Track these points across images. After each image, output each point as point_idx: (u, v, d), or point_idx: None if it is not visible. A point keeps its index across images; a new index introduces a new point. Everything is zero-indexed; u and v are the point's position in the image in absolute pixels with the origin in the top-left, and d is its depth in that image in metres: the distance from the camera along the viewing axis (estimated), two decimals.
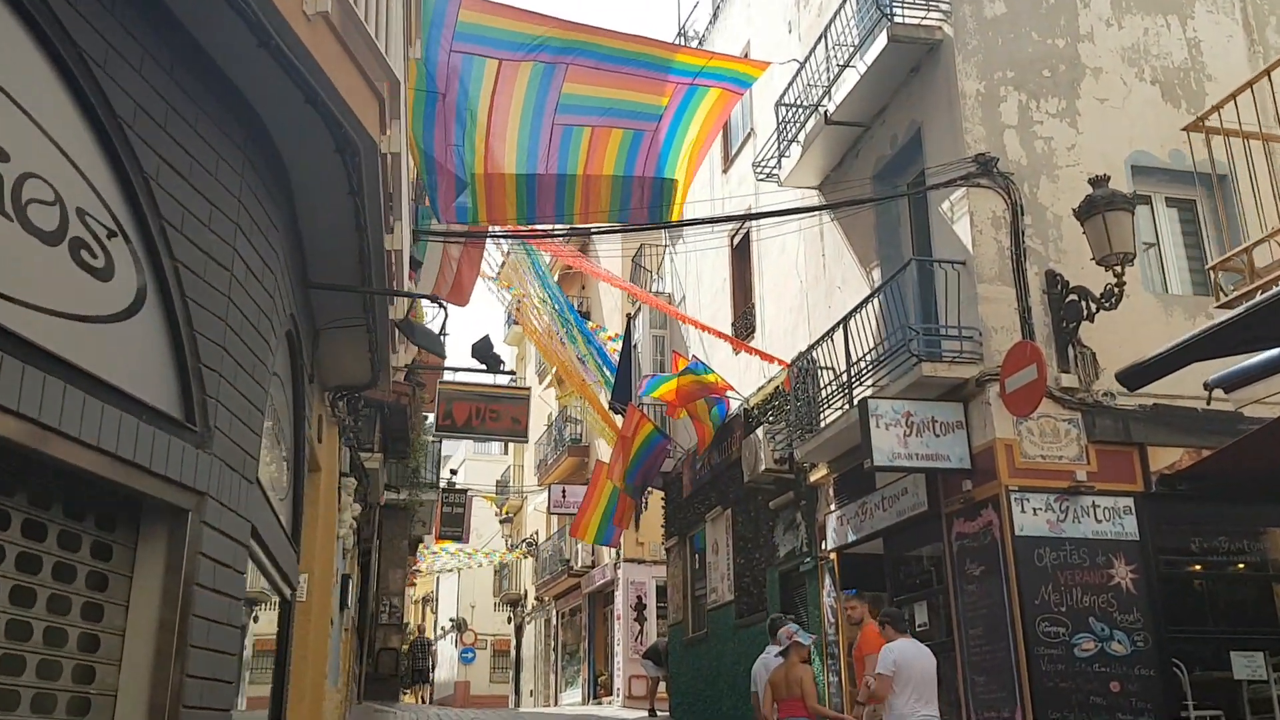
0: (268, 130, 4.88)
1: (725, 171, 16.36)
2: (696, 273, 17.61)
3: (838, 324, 10.81)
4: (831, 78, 11.28)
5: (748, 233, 15.32)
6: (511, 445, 36.17)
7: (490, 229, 13.76)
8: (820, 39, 11.58)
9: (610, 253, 21.46)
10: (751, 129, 15.23)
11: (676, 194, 12.20)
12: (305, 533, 8.00)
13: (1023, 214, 9.87)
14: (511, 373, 12.17)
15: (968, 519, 9.50)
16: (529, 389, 11.72)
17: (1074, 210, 9.27)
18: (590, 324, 23.66)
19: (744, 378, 15.05)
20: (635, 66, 11.87)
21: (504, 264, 22.17)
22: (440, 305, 6.63)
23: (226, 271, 4.56)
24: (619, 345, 19.85)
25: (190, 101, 4.28)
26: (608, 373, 19.96)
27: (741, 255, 15.77)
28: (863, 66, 10.74)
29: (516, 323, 24.72)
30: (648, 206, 12.24)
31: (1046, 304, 9.69)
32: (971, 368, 9.48)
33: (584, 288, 28.14)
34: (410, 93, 11.35)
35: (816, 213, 11.80)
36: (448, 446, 45.94)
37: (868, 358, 10.12)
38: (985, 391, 9.40)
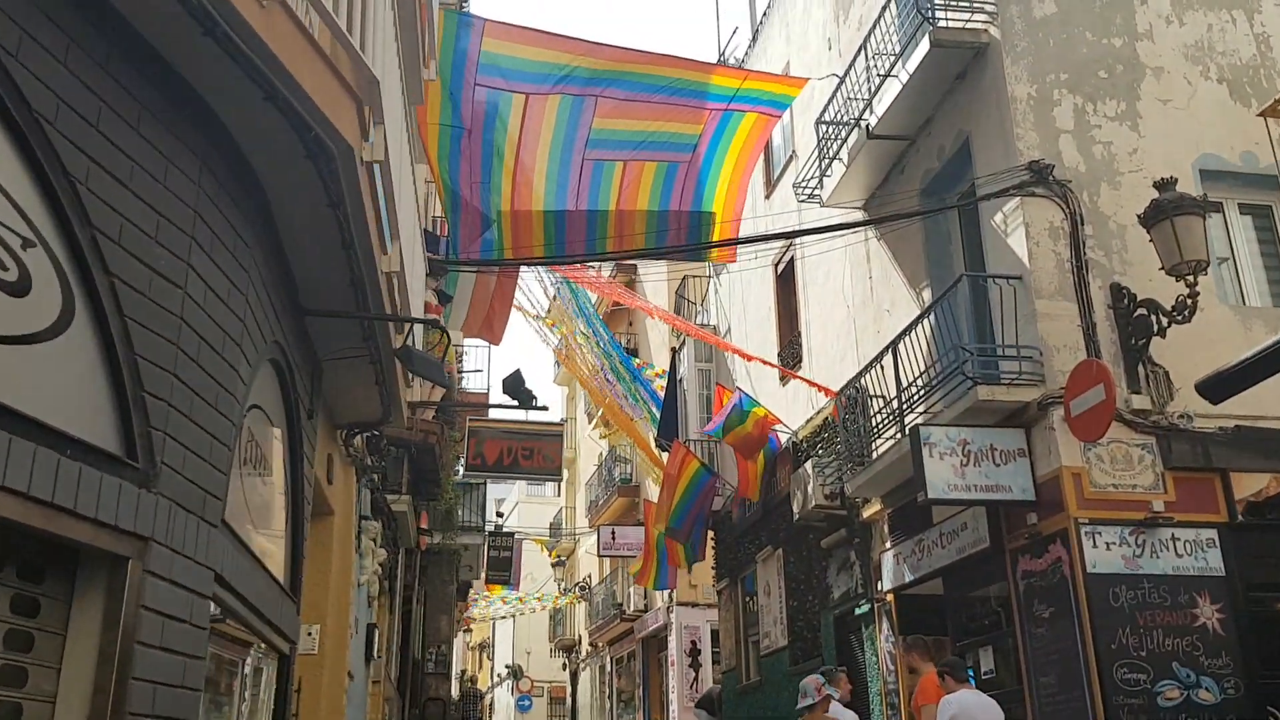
0: (230, 133, 4.41)
1: (768, 197, 15.79)
2: (741, 302, 17.02)
3: (886, 348, 10.13)
4: (873, 89, 10.69)
5: (792, 259, 14.71)
6: (563, 487, 35.62)
7: (523, 258, 13.37)
8: (860, 50, 11.01)
9: (654, 277, 20.95)
10: (793, 151, 14.67)
11: (715, 227, 11.62)
12: (313, 581, 7.49)
13: (1083, 224, 9.16)
14: (544, 408, 11.66)
15: (1034, 556, 8.72)
16: (563, 424, 11.20)
17: (1139, 216, 8.55)
18: (637, 361, 23.18)
19: (791, 409, 14.38)
20: (667, 94, 11.38)
21: (551, 304, 21.81)
22: (443, 331, 6.11)
23: (178, 290, 4.07)
24: (666, 382, 19.30)
25: (129, 97, 3.82)
26: (654, 409, 19.42)
27: (786, 282, 15.16)
28: (905, 75, 10.14)
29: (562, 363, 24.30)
30: (685, 239, 11.69)
31: (1112, 320, 8.95)
32: (1032, 390, 8.75)
33: (631, 324, 27.66)
34: (435, 128, 10.98)
35: (861, 229, 11.19)
36: (500, 489, 45.53)
37: (919, 382, 9.42)
38: (1049, 416, 8.66)
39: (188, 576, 4.08)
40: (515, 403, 11.23)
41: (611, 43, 11.69)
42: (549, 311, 22.04)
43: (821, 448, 12.98)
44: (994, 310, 9.14)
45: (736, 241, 10.42)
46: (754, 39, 16.91)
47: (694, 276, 20.31)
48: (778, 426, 14.22)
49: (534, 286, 28.34)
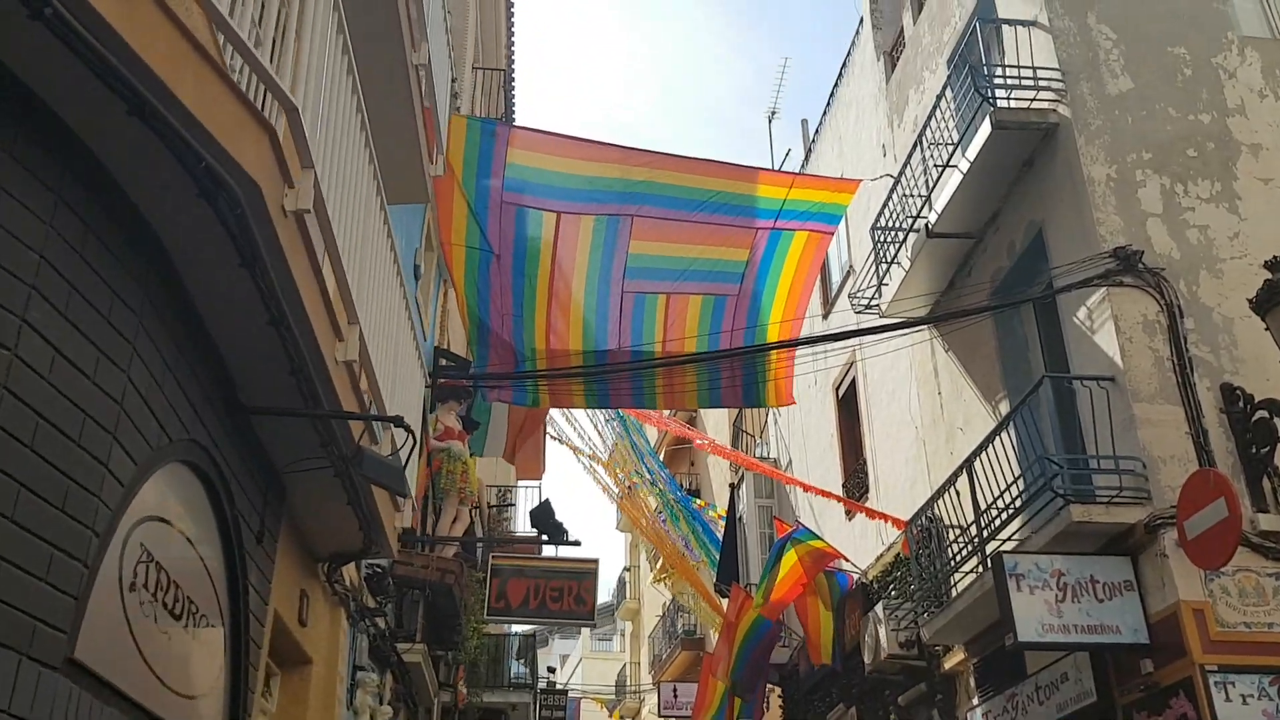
0: (97, 157, 3.51)
1: (825, 318, 14.73)
2: (801, 431, 15.79)
3: (960, 468, 8.83)
4: (931, 183, 9.71)
5: (853, 380, 13.55)
6: (627, 640, 33.76)
7: (562, 404, 12.32)
8: (916, 142, 10.09)
9: (713, 410, 19.83)
10: (850, 266, 13.69)
11: (770, 367, 10.55)
12: None
13: (1182, 316, 7.93)
14: (575, 542, 10.48)
15: (1153, 712, 7.19)
16: (596, 561, 10.00)
17: (1250, 303, 7.30)
18: (698, 502, 21.92)
19: (860, 546, 12.97)
20: (709, 212, 10.45)
21: (613, 450, 20.78)
22: (408, 430, 5.08)
23: (3, 350, 3.11)
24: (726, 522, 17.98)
25: None
26: (714, 552, 18.07)
27: (848, 407, 13.95)
28: (965, 164, 9.16)
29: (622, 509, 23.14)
30: (740, 385, 10.59)
31: (1226, 425, 7.62)
32: (1137, 509, 7.38)
33: (692, 464, 26.44)
34: (460, 249, 10.19)
35: (926, 332, 10.08)
36: (566, 643, 43.50)
37: (1001, 502, 8.08)
38: (1159, 540, 7.26)
39: None
40: (544, 537, 10.08)
41: (645, 148, 10.82)
42: (610, 456, 21.01)
43: (894, 588, 11.52)
44: (1083, 417, 7.86)
45: (789, 344, 9.32)
46: (806, 157, 16.20)
47: (752, 407, 19.14)
48: (844, 564, 12.78)
49: (586, 423, 27.27)
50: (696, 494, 24.30)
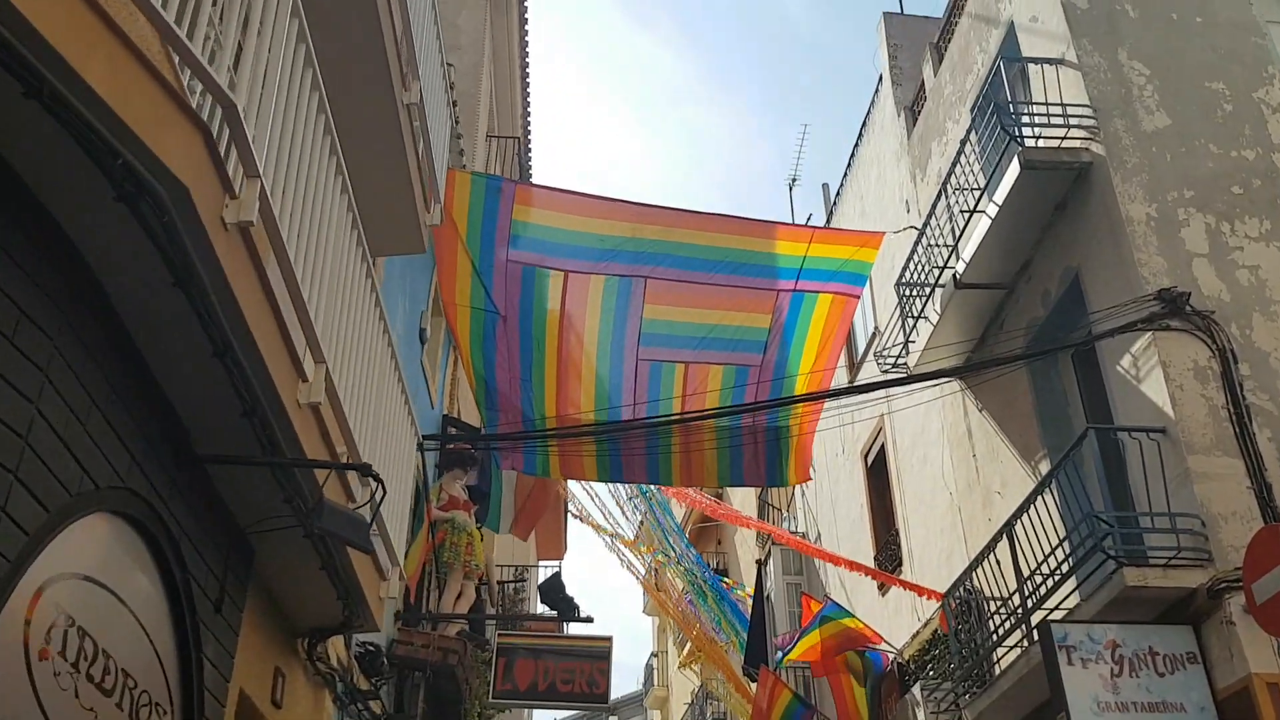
0: None
1: (852, 382, 14.14)
2: (830, 503, 15.10)
3: (1000, 532, 8.17)
4: (958, 231, 9.20)
5: (882, 446, 12.92)
6: None
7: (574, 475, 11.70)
8: (940, 190, 9.62)
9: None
10: (876, 328, 13.14)
11: (793, 440, 9.96)
12: None
13: (1236, 362, 7.32)
14: (588, 619, 9.83)
15: None
16: (609, 639, 9.29)
17: None
18: (726, 581, 21.14)
19: (894, 623, 12.19)
20: (726, 273, 9.94)
21: (639, 528, 20.13)
22: (376, 480, 4.55)
23: None
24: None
25: None
26: (742, 633, 17.25)
27: (878, 475, 13.28)
28: (994, 209, 8.66)
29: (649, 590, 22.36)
30: (764, 464, 9.98)
31: None
32: (1197, 572, 6.69)
33: (720, 542, 25.63)
34: (465, 310, 9.75)
35: (957, 384, 9.46)
36: None
37: (1045, 568, 7.40)
38: (1224, 605, 6.56)
39: None
40: (554, 613, 9.44)
41: (657, 204, 10.41)
42: (636, 536, 20.35)
43: (932, 667, 10.74)
44: (1133, 473, 7.21)
45: (814, 396, 8.76)
46: (828, 220, 15.77)
47: None
48: (879, 646, 12.00)
49: (609, 501, 26.58)
50: (725, 573, 23.48)
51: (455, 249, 9.65)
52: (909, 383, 8.39)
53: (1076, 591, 7.32)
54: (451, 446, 10.22)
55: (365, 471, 4.52)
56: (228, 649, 5.11)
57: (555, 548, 23.21)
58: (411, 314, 10.39)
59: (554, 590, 9.41)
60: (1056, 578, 7.30)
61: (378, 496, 4.53)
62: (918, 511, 11.82)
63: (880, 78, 13.64)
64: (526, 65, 16.93)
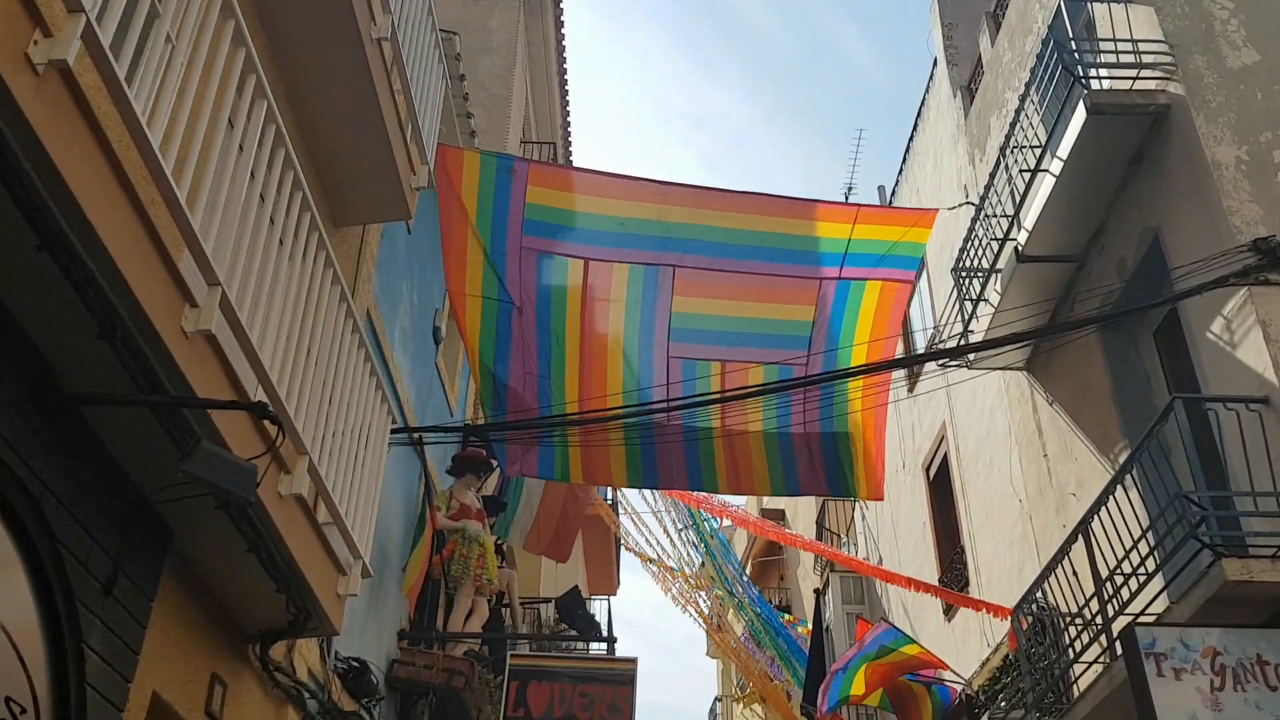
0: None
1: (911, 390, 13.05)
2: (892, 524, 13.94)
3: (1075, 530, 7.05)
4: (1018, 195, 8.18)
5: (945, 457, 11.80)
6: None
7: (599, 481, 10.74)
8: (999, 158, 8.61)
9: (798, 507, 18.12)
10: (936, 329, 12.07)
11: (857, 449, 8.91)
12: None
13: None
14: (611, 639, 8.88)
15: None
16: (635, 660, 8.32)
17: None
18: (787, 617, 20.00)
19: (961, 652, 11.01)
20: (762, 260, 8.95)
21: (701, 567, 19.18)
22: (275, 422, 3.71)
23: None
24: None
25: None
26: (801, 669, 16.11)
27: (940, 489, 12.14)
28: (1059, 166, 7.64)
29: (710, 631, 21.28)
30: (822, 471, 8.88)
31: None
32: None
33: (782, 578, 24.41)
34: (475, 300, 8.93)
35: (1024, 374, 8.38)
36: None
37: (1127, 565, 6.27)
38: None
39: None
40: (573, 631, 8.50)
41: (682, 182, 9.51)
42: (698, 573, 19.38)
43: (1003, 697, 9.56)
44: (1229, 451, 6.08)
45: (869, 369, 7.79)
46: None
47: (834, 500, 17.31)
48: (943, 673, 10.80)
49: (653, 525, 25.32)
50: (787, 609, 22.30)
51: (464, 234, 8.85)
52: (975, 350, 7.36)
53: (1165, 594, 6.17)
54: (463, 454, 9.40)
55: (262, 413, 3.67)
56: (128, 643, 4.27)
57: (607, 582, 22.26)
58: (421, 310, 9.65)
59: (572, 606, 8.47)
60: (1141, 577, 6.17)
61: (278, 441, 3.67)
62: (985, 525, 10.66)
63: (935, 61, 12.70)
64: (565, 73, 16.32)
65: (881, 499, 8.71)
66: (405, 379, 8.83)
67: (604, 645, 9.10)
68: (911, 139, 13.52)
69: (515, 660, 8.40)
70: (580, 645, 9.69)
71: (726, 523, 18.18)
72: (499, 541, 9.84)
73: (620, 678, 8.33)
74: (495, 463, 9.44)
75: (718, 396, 8.19)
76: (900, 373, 12.74)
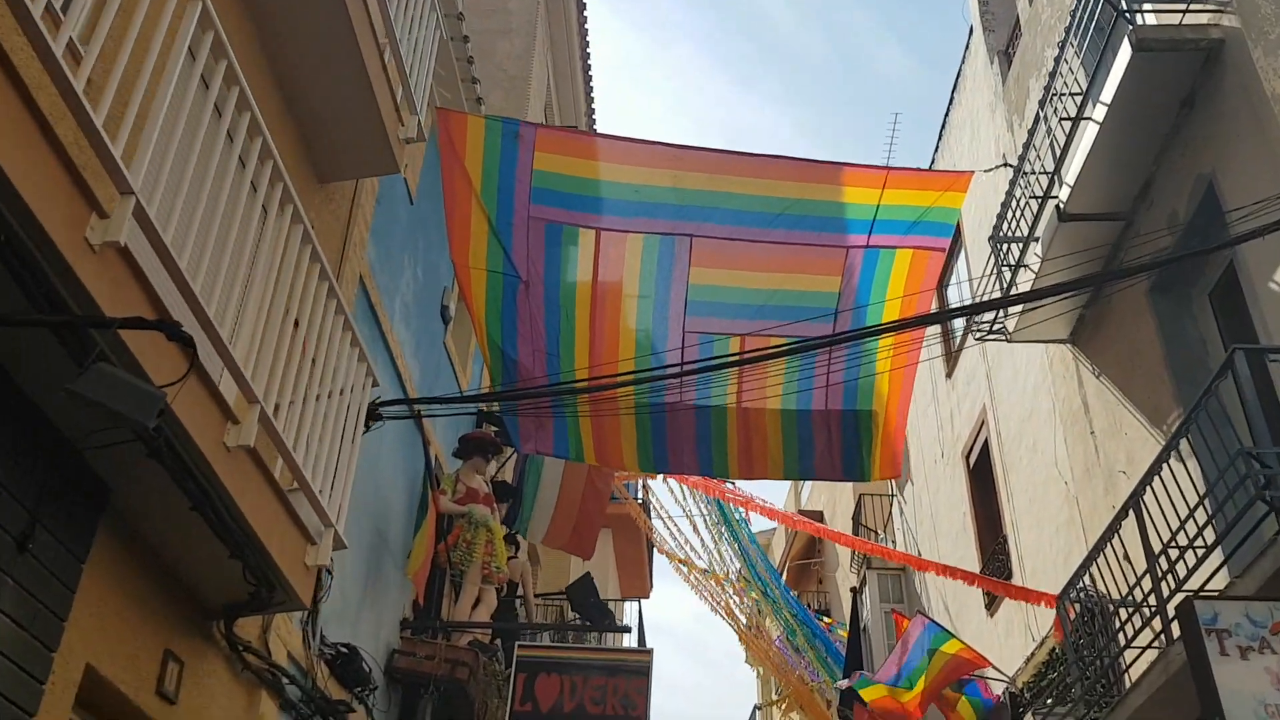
0: None
1: (949, 375, 12.43)
2: (931, 516, 13.29)
3: (1124, 507, 6.43)
4: (1059, 148, 7.58)
5: (985, 442, 11.16)
6: None
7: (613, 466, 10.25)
8: (1038, 112, 8.02)
9: (833, 499, 17.50)
10: (973, 297, 11.44)
11: (877, 429, 8.33)
12: None
13: None
14: (624, 628, 8.38)
15: None
16: (650, 651, 7.77)
17: None
18: (826, 620, 19.38)
19: (1004, 648, 10.36)
20: (785, 228, 8.37)
21: (741, 568, 18.65)
22: (183, 341, 3.24)
23: None
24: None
25: None
26: (838, 671, 15.50)
27: (981, 476, 11.49)
28: (1102, 112, 7.04)
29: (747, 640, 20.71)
30: (840, 455, 8.29)
31: None
32: None
33: (820, 582, 23.74)
34: (479, 273, 8.47)
35: (1069, 347, 7.76)
36: None
37: (1184, 535, 5.65)
38: None
39: None
40: (585, 620, 7.98)
41: (699, 146, 8.99)
42: (737, 577, 18.85)
43: (1050, 695, 8.90)
44: None
45: (900, 325, 7.25)
46: None
47: (871, 495, 16.64)
48: (986, 673, 10.14)
49: (685, 528, 24.77)
50: (826, 613, 21.64)
51: (469, 203, 8.39)
52: (1018, 302, 6.78)
53: (1225, 569, 5.54)
54: (470, 435, 8.93)
55: (172, 333, 3.20)
56: (50, 608, 3.83)
57: (640, 584, 21.69)
58: (426, 286, 9.22)
59: (584, 593, 7.95)
60: (1199, 550, 5.55)
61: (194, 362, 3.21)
62: (1028, 512, 10.01)
63: (970, 30, 12.10)
64: (588, 57, 15.89)
65: (899, 476, 8.13)
66: (408, 355, 8.40)
67: (622, 636, 8.61)
68: (948, 113, 12.91)
69: (523, 651, 7.89)
70: (602, 637, 9.21)
71: (766, 523, 17.64)
72: (513, 533, 9.36)
73: (635, 669, 7.80)
74: (504, 443, 8.98)
75: (736, 359, 7.64)
76: (933, 331, 12.12)
